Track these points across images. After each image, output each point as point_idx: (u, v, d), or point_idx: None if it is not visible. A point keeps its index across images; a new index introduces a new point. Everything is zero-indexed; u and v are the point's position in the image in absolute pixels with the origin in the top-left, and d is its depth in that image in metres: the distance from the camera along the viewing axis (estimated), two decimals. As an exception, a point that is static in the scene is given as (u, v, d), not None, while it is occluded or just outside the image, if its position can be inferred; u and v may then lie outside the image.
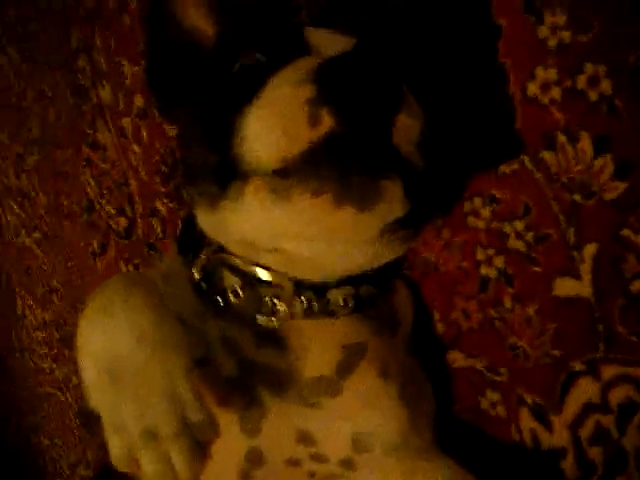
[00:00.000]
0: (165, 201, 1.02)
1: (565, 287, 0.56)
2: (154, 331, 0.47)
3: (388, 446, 0.56)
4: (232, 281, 0.56)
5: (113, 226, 1.19)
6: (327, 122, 0.41)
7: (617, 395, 0.54)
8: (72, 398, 1.52)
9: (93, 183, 1.23)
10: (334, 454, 0.56)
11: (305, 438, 0.55)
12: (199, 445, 0.45)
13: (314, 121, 0.41)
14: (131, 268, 1.16)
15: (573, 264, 0.55)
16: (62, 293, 1.47)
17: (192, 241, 0.60)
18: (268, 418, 0.54)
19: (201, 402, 0.45)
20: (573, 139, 0.53)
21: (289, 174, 0.43)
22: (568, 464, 0.58)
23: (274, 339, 0.56)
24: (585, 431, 0.57)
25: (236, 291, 0.55)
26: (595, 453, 0.56)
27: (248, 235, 0.51)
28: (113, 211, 1.18)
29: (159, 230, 1.06)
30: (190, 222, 0.61)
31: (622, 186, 0.51)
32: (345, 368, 0.56)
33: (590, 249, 0.54)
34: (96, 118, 1.17)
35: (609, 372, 0.54)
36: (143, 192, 1.08)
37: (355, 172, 0.42)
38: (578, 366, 0.56)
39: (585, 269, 0.54)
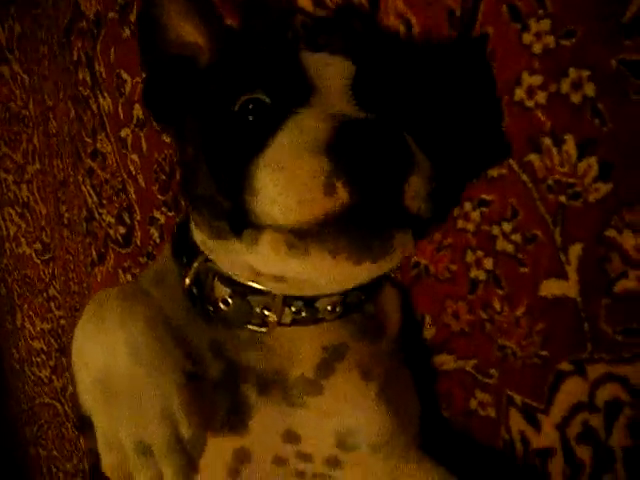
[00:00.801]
0: (163, 210, 1.03)
1: (552, 287, 0.56)
2: (148, 347, 0.47)
3: (373, 445, 0.57)
4: (222, 291, 0.56)
5: (112, 235, 1.20)
6: (342, 193, 0.42)
7: (604, 394, 0.55)
8: (70, 408, 1.52)
9: (92, 192, 1.24)
10: (319, 452, 0.57)
11: (291, 437, 0.56)
12: (190, 459, 0.46)
13: (329, 191, 0.42)
14: (129, 277, 1.17)
15: (560, 265, 0.55)
16: (60, 302, 1.48)
17: (186, 247, 0.60)
18: (255, 418, 0.55)
19: (193, 418, 0.46)
20: (558, 142, 0.54)
21: (305, 235, 0.44)
22: (557, 463, 0.58)
23: (260, 342, 0.57)
24: (573, 430, 0.57)
25: (226, 300, 0.56)
26: (583, 452, 0.56)
27: (257, 268, 0.51)
28: (112, 220, 1.19)
29: (157, 238, 1.07)
30: (184, 227, 0.62)
31: (606, 187, 0.52)
32: (325, 369, 0.57)
33: (576, 249, 0.54)
34: (96, 128, 1.18)
35: (596, 371, 0.55)
36: (142, 201, 1.09)
37: (370, 235, 0.44)
38: (566, 366, 0.57)
39: (571, 269, 0.55)
